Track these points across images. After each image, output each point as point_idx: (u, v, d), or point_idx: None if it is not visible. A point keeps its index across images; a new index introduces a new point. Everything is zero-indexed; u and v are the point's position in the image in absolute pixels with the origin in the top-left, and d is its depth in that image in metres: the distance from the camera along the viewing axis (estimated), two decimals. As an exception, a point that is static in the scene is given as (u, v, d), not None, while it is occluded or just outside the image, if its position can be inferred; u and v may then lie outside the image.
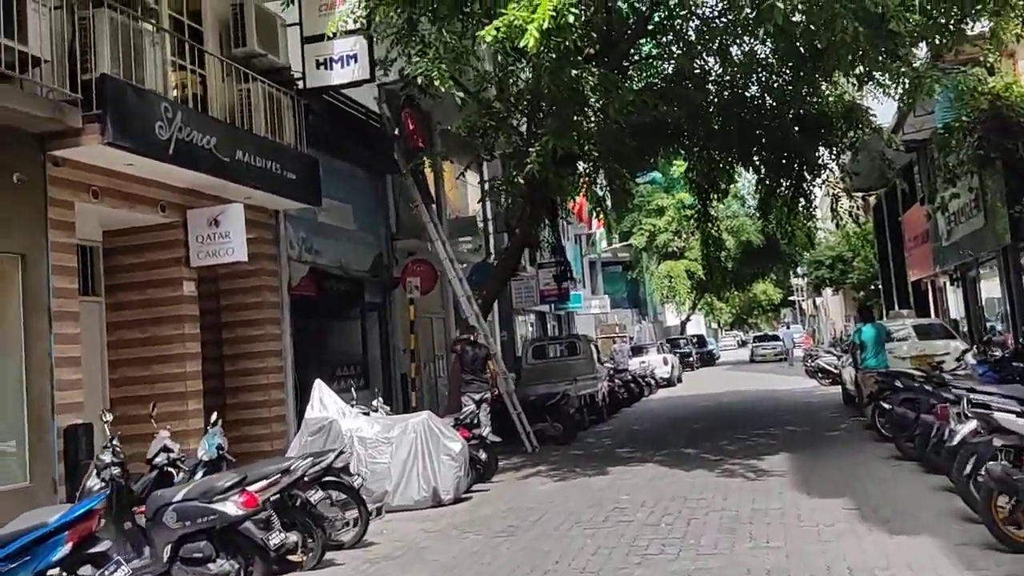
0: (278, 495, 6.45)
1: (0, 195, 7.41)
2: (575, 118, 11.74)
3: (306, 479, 6.76)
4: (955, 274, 18.57)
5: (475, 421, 10.21)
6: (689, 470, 9.86)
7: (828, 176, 17.75)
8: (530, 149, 10.42)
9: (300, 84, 11.65)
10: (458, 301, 14.02)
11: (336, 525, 7.07)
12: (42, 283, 7.79)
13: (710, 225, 18.57)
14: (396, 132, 13.75)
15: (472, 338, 12.14)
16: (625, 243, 41.37)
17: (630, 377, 22.22)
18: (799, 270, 50.41)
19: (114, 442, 6.56)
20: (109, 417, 6.84)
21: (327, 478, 7.14)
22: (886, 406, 10.40)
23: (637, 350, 31.07)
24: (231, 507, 5.78)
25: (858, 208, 17.35)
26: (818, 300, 59.33)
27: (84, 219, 8.95)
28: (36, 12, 7.35)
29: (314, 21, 11.51)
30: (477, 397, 11.81)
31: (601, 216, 18.44)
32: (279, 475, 6.33)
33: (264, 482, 6.21)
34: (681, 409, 18.97)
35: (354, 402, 9.99)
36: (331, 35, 10.69)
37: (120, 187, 8.85)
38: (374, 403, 10.45)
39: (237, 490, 5.90)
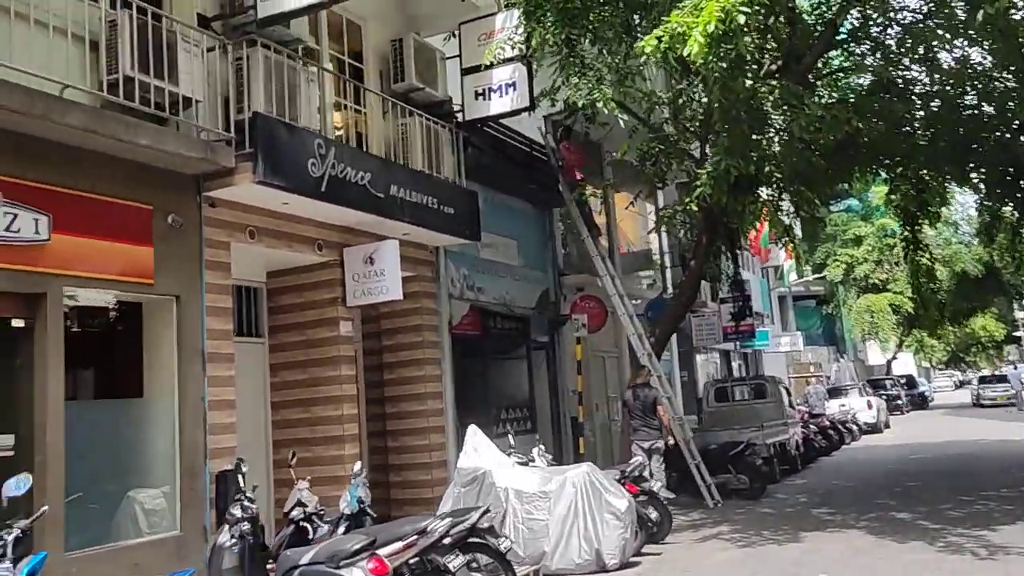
0: (416, 558, 5.79)
1: (156, 237, 7.41)
2: (753, 137, 10.56)
3: (447, 541, 6.06)
4: None
5: (644, 474, 9.15)
6: (903, 541, 8.25)
7: None
8: (699, 171, 9.35)
9: (459, 117, 11.29)
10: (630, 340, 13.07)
11: (482, 593, 6.31)
12: (196, 325, 7.72)
13: (920, 253, 16.43)
14: (559, 164, 13.13)
15: (641, 380, 11.11)
16: (819, 275, 38.45)
17: (828, 423, 20.07)
18: (1025, 302, 44.80)
19: (247, 494, 6.19)
20: (245, 468, 6.51)
21: (472, 539, 6.40)
22: None
23: (835, 392, 28.40)
24: (358, 574, 5.17)
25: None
26: (1051, 335, 52.45)
27: (246, 259, 8.96)
28: (187, 52, 7.34)
29: (473, 51, 11.14)
30: (646, 446, 10.74)
31: (789, 246, 16.77)
32: (415, 537, 5.67)
33: (398, 544, 5.58)
34: (889, 461, 16.74)
35: (512, 449, 9.26)
36: (488, 64, 10.27)
37: (277, 226, 8.75)
38: (534, 451, 9.68)
39: (367, 554, 5.29)
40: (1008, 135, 12.92)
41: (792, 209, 15.00)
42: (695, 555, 8.45)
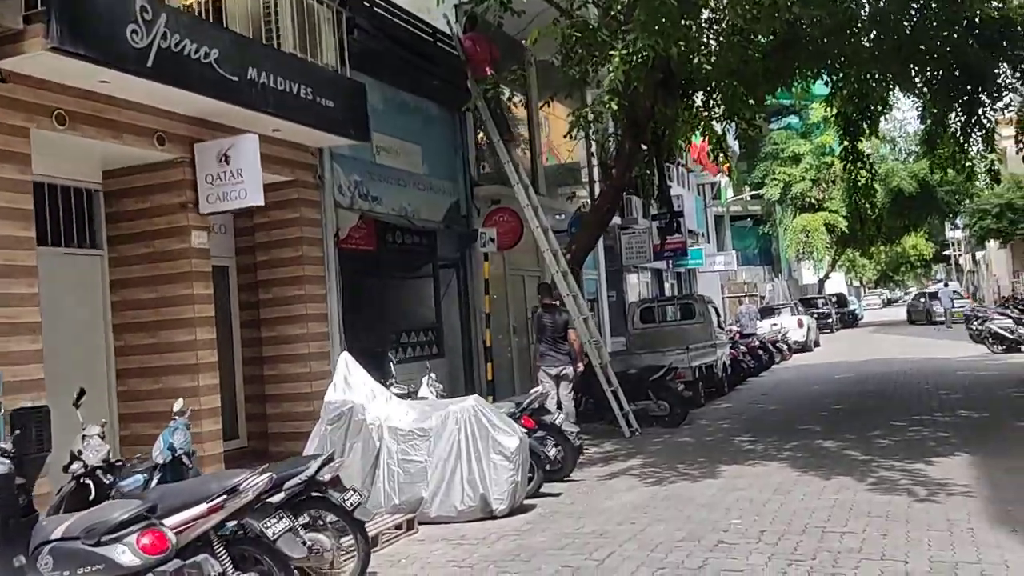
0: (233, 522, 4.54)
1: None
2: (682, 21, 9.18)
3: (277, 499, 4.83)
4: None
5: (545, 405, 8.04)
6: (829, 477, 7.35)
7: (1011, 100, 14.23)
8: (612, 53, 7.92)
9: (342, -7, 9.63)
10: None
11: (325, 557, 5.12)
12: (-16, 230, 6.18)
13: (859, 165, 15.47)
14: (464, 58, 11.59)
15: (549, 301, 9.91)
16: (755, 193, 37.72)
17: (758, 343, 19.39)
18: (958, 221, 45.02)
19: (86, 432, 4.90)
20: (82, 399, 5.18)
21: (313, 493, 5.18)
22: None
23: (768, 311, 27.93)
24: (126, 554, 3.90)
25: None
26: (979, 255, 53.25)
27: (68, 153, 7.40)
28: None
29: (355, -87, 9.42)
30: (554, 372, 9.65)
31: (722, 159, 15.59)
32: (222, 498, 4.41)
33: (198, 509, 4.31)
34: (818, 382, 16.11)
35: (393, 380, 8.04)
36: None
37: (97, 112, 7.11)
38: (424, 380, 8.49)
39: (141, 525, 4.01)
40: (956, 35, 11.85)
41: (727, 116, 13.79)
42: (598, 496, 7.43)
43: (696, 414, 12.47)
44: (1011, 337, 18.87)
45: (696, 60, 10.13)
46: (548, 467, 7.72)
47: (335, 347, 9.73)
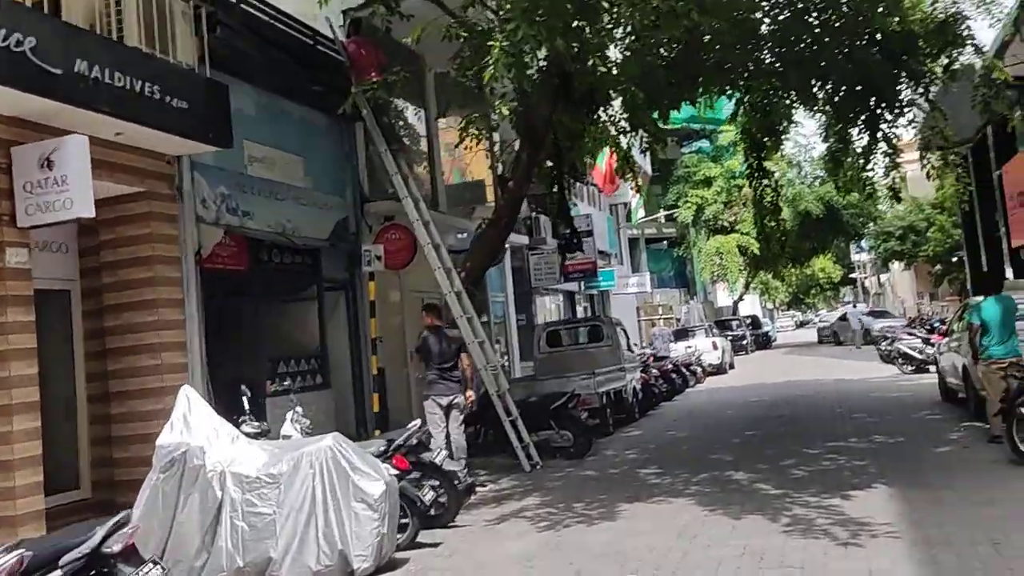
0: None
1: None
2: (574, 22, 8.51)
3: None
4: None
5: (425, 440, 7.10)
6: (739, 516, 6.62)
7: (914, 116, 14.09)
8: (490, 44, 7.11)
9: (201, -16, 8.60)
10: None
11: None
12: None
13: (765, 182, 15.17)
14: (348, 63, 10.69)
15: (432, 322, 8.98)
16: (668, 213, 37.75)
17: (670, 366, 18.87)
18: (863, 243, 46.21)
19: None
20: None
21: (102, 569, 4.11)
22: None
23: (682, 333, 27.66)
24: None
25: (951, 157, 13.54)
26: (883, 277, 54.90)
27: None
28: None
29: None
30: (444, 402, 8.73)
31: (630, 176, 15.02)
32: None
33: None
34: (731, 406, 15.61)
35: (246, 416, 6.99)
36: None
37: None
38: (289, 416, 7.45)
39: None
40: (858, 49, 11.57)
41: (631, 127, 13.26)
42: (482, 545, 6.51)
43: (603, 443, 11.72)
44: (920, 357, 18.84)
45: (592, 63, 9.47)
46: (427, 513, 6.76)
47: (196, 379, 8.56)
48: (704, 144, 44.09)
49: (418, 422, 7.24)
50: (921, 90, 12.70)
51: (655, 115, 12.51)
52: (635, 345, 22.02)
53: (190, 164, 8.90)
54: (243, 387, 7.69)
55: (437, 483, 6.90)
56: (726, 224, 40.10)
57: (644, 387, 15.74)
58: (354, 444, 6.22)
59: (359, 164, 12.26)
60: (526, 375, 14.83)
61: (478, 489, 8.90)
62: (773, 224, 15.49)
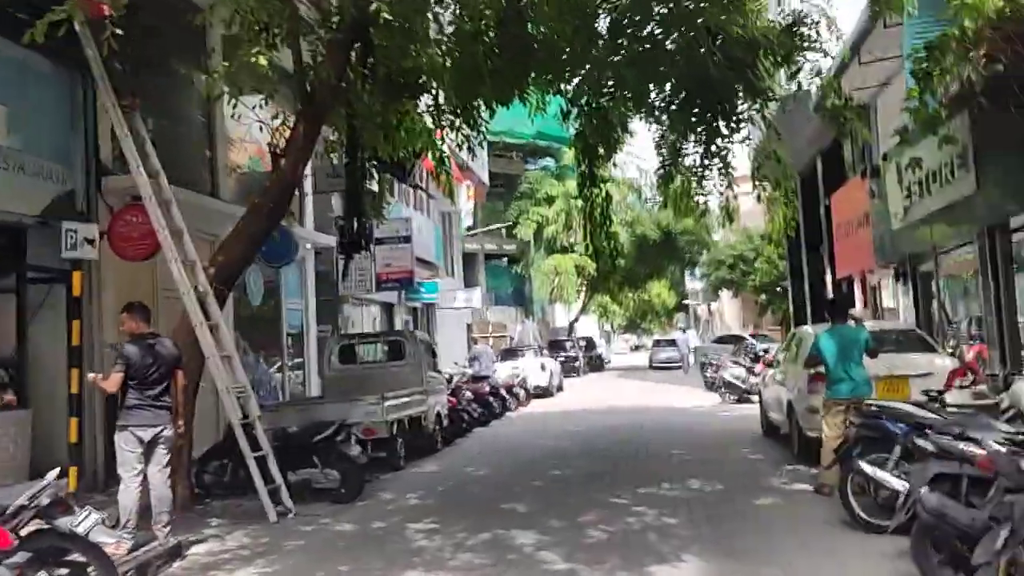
0: None
1: None
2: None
3: None
4: (903, 268, 14.37)
5: (57, 500, 4.83)
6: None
7: (749, 132, 13.09)
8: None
9: None
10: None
11: None
12: None
13: (596, 191, 13.87)
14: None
15: (143, 328, 6.72)
16: (504, 225, 36.54)
17: (488, 388, 17.20)
18: (696, 271, 47.01)
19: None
20: None
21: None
22: (886, 478, 5.82)
23: (510, 353, 26.23)
24: None
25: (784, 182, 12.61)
26: (714, 305, 56.38)
27: None
28: None
29: None
30: (148, 435, 6.47)
31: (444, 178, 13.26)
32: None
33: None
34: (547, 435, 14.06)
35: None
36: None
37: None
38: None
39: None
40: (700, 46, 10.40)
41: (449, 111, 11.61)
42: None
43: (386, 482, 9.79)
44: (742, 387, 18.19)
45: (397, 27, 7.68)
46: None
47: None
48: (549, 162, 43.53)
49: (54, 473, 4.97)
50: (758, 106, 11.71)
51: (477, 106, 11.04)
52: (456, 364, 20.27)
53: None
54: None
55: (67, 570, 4.67)
56: (565, 244, 39.49)
57: (452, 412, 13.92)
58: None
59: (98, 127, 9.74)
60: (307, 397, 12.71)
61: (194, 549, 6.75)
62: (604, 238, 14.19)
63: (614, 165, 16.52)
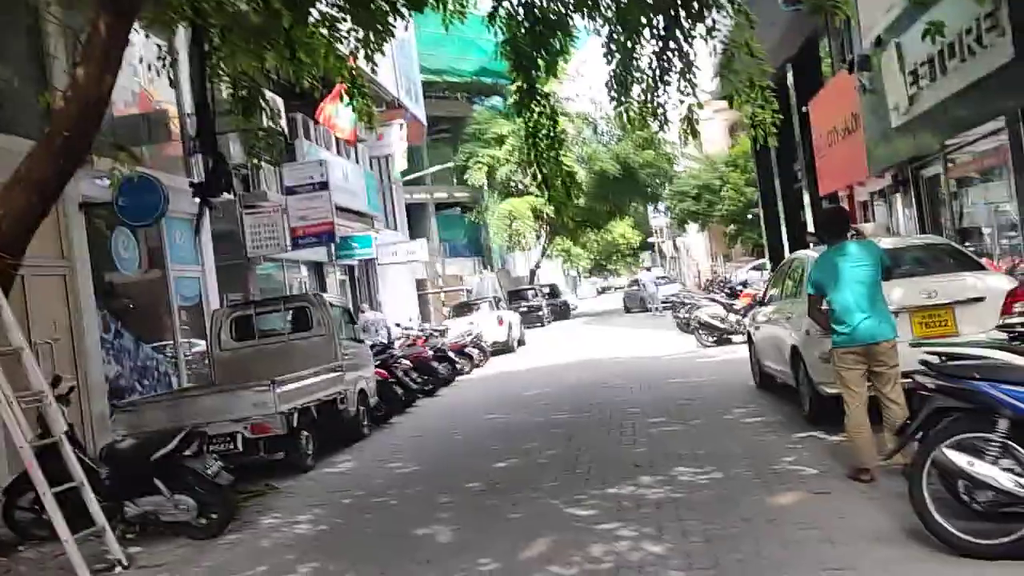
0: None
1: None
2: None
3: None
4: (903, 174, 12.15)
5: None
6: None
7: (714, 23, 10.59)
8: None
9: None
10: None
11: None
12: None
13: (539, 109, 11.54)
14: None
15: None
16: (445, 166, 33.86)
17: (430, 353, 14.87)
18: (660, 206, 44.77)
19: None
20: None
21: None
22: (991, 474, 3.64)
23: (464, 308, 23.94)
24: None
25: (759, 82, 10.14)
26: (680, 240, 54.39)
27: None
28: None
29: None
30: None
31: (357, 102, 10.66)
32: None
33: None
34: (499, 405, 11.80)
35: None
36: None
37: None
38: None
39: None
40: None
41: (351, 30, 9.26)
42: None
43: (282, 493, 7.48)
44: (722, 327, 16.08)
45: None
46: None
47: None
48: (497, 101, 40.66)
49: None
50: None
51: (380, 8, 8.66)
52: (399, 326, 17.91)
53: None
54: None
55: None
56: (521, 187, 37.02)
57: (384, 386, 11.58)
58: None
59: None
60: (180, 388, 10.31)
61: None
62: (552, 163, 11.80)
63: (554, 76, 13.98)
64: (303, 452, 8.50)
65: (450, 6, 10.66)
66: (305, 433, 8.59)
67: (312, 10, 8.82)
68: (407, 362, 13.29)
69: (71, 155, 6.28)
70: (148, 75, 11.67)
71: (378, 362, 11.91)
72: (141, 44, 10.07)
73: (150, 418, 7.91)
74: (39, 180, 6.16)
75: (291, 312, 10.39)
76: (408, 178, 27.48)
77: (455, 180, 38.16)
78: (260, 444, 8.11)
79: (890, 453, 4.85)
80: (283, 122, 14.98)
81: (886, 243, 7.23)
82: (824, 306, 5.77)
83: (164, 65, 9.93)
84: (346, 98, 10.71)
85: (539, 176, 12.56)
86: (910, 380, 4.68)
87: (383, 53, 9.63)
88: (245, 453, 7.94)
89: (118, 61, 6.38)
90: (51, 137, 6.21)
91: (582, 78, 38.83)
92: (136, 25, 7.08)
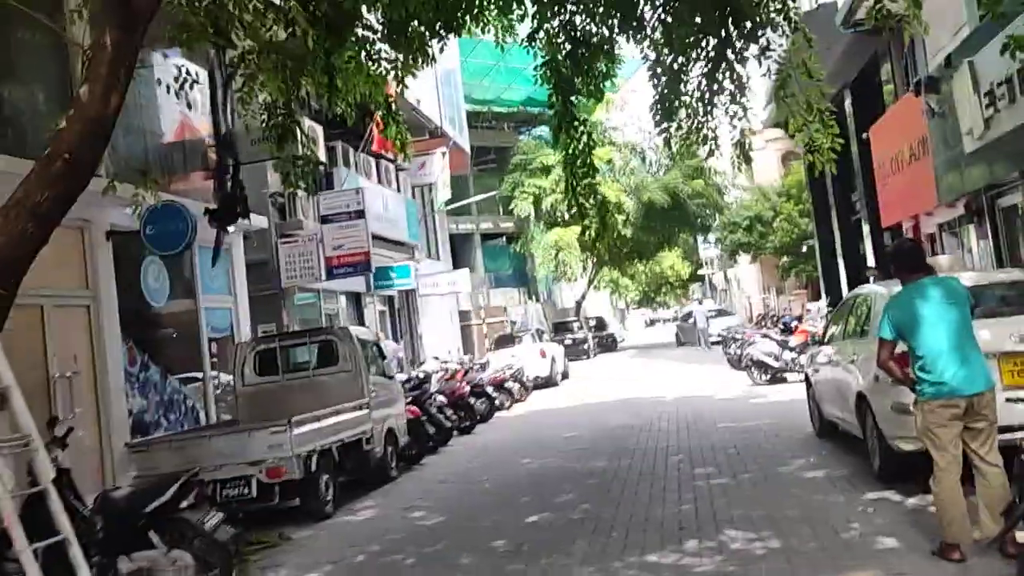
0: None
1: None
2: None
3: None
4: (977, 203, 11.23)
5: None
6: None
7: (769, 42, 9.89)
8: None
9: None
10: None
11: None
12: None
13: (577, 133, 10.91)
14: None
15: None
16: (491, 195, 33.39)
17: (468, 388, 14.25)
18: (710, 237, 43.73)
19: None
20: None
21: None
22: None
23: (505, 340, 23.33)
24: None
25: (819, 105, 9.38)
26: (730, 272, 53.14)
27: None
28: None
29: None
30: None
31: (394, 131, 10.20)
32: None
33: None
34: (535, 449, 11.06)
35: None
36: None
37: None
38: None
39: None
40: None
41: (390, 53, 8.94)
42: None
43: (296, 544, 6.91)
44: (776, 365, 15.19)
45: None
46: None
47: None
48: (543, 131, 40.32)
49: None
50: (779, 4, 8.66)
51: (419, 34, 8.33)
52: (438, 359, 17.37)
53: None
54: None
55: None
56: (567, 216, 36.42)
57: (414, 425, 11.00)
58: None
59: None
60: (192, 428, 9.85)
61: None
62: (587, 192, 11.14)
63: (597, 100, 13.34)
64: (321, 499, 7.93)
65: (493, 22, 10.23)
66: (325, 477, 8.03)
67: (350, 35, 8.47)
68: (442, 398, 12.71)
69: (72, 179, 5.86)
70: (187, 101, 11.44)
71: (410, 398, 11.35)
72: (184, 70, 9.79)
73: (161, 459, 7.45)
74: (35, 205, 5.76)
75: (316, 346, 9.90)
76: (452, 206, 27.11)
77: (501, 210, 37.79)
78: (275, 489, 7.56)
79: (997, 537, 4.07)
80: (321, 151, 14.70)
81: (965, 279, 6.42)
82: (898, 350, 5.01)
83: (192, 89, 9.63)
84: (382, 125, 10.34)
85: (573, 205, 11.93)
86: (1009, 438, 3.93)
87: (415, 76, 9.18)
88: (259, 499, 7.42)
89: (126, 80, 5.98)
90: (50, 159, 5.78)
91: (628, 107, 38.32)
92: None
